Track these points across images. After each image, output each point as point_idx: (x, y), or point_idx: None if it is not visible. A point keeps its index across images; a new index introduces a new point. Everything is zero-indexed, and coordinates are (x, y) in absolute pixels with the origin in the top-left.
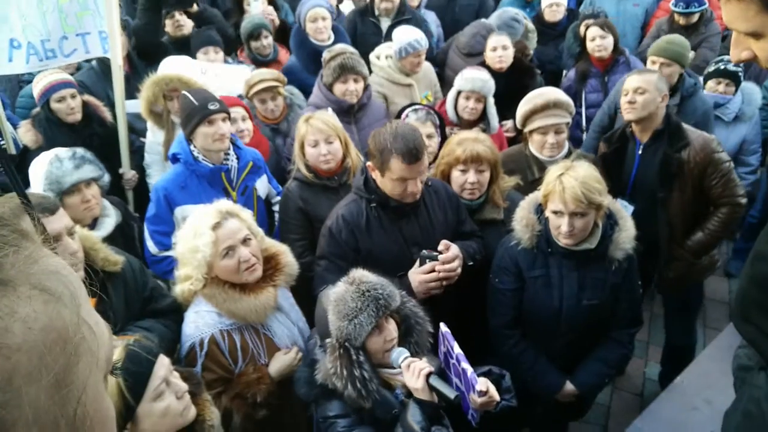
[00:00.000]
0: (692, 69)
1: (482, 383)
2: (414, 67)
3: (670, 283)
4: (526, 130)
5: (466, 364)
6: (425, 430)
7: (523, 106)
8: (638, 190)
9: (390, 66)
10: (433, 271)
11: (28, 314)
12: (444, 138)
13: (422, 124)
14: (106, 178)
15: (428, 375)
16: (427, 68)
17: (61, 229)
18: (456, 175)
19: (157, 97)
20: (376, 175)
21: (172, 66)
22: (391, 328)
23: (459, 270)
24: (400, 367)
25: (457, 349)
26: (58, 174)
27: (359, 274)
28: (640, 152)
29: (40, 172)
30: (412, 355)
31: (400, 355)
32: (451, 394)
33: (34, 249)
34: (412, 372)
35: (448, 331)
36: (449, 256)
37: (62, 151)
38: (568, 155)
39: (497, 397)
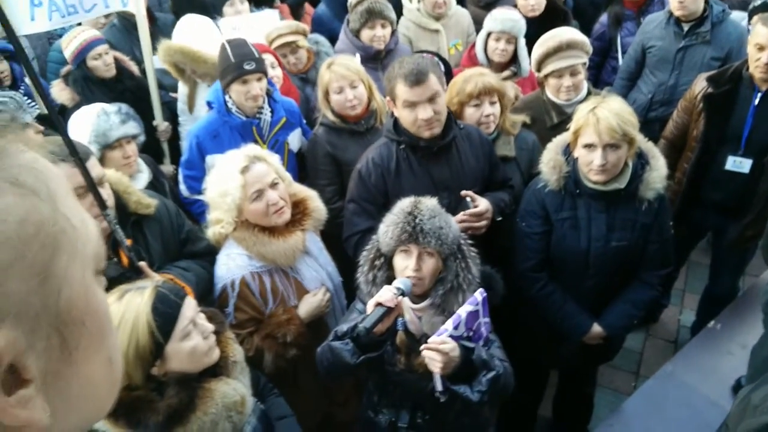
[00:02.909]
0: (738, 3)
1: (438, 339)
2: (434, 8)
3: (746, 241)
4: (541, 74)
5: (449, 323)
6: (349, 334)
7: (536, 50)
8: (748, 142)
9: (419, 9)
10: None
11: (2, 207)
12: None
13: None
14: (142, 137)
15: (378, 303)
16: (461, 15)
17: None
18: (470, 111)
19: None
20: (395, 110)
21: (187, 28)
22: (422, 263)
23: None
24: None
25: (463, 313)
26: (105, 127)
27: (427, 200)
28: (756, 102)
29: (85, 125)
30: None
31: (399, 282)
32: (366, 323)
33: (5, 143)
34: (380, 293)
35: (484, 296)
36: (477, 210)
37: (108, 106)
38: (587, 96)
39: (445, 348)
